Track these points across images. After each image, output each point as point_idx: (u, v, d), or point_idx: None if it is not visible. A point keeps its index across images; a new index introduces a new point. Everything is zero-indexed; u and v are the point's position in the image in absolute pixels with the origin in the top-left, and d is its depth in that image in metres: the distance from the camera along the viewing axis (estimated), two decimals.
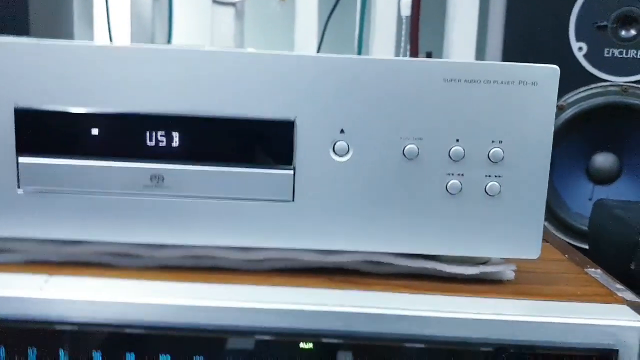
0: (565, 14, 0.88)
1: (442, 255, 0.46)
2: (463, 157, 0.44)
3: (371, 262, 0.47)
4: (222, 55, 0.43)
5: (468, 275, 0.46)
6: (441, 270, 0.47)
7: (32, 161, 0.44)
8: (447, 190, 0.44)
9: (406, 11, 1.11)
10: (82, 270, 0.46)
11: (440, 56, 1.11)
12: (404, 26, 1.13)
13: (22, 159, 0.44)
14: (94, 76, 0.43)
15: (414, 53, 1.13)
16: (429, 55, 1.18)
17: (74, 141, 0.44)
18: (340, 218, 0.45)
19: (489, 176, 0.44)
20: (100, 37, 1.13)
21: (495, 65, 0.43)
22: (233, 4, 1.17)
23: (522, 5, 0.90)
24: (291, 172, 0.44)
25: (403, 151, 0.44)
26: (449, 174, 0.44)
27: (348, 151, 0.44)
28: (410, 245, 0.45)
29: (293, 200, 0.44)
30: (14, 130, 0.44)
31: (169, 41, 1.16)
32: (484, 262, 0.47)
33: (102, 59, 0.43)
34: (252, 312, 0.41)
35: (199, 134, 0.44)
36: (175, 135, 0.44)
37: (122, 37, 1.15)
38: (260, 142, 0.44)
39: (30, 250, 0.46)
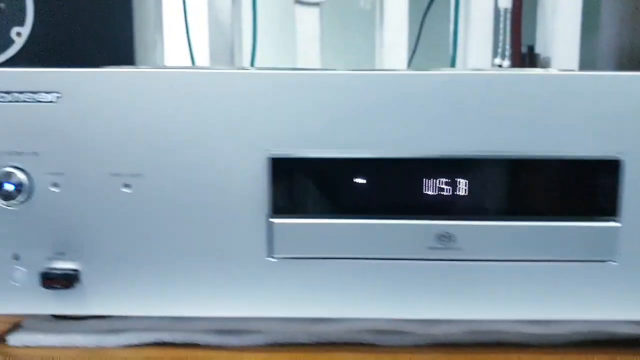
0: None
1: None
2: None
3: None
4: (518, 79, 0.34)
5: None
6: None
7: (287, 222, 0.35)
8: None
9: (505, 3, 1.02)
10: (338, 354, 0.36)
11: (542, 51, 1.02)
12: (501, 19, 1.03)
13: (275, 220, 0.35)
14: (361, 113, 0.34)
15: (517, 47, 1.04)
16: (531, 49, 1.09)
17: (338, 196, 0.35)
18: None
19: None
20: (173, 39, 1.03)
21: None
22: (317, 4, 1.07)
23: None
24: (616, 224, 0.35)
25: None
26: None
27: None
28: None
29: (616, 260, 0.35)
30: (266, 183, 0.34)
31: (253, 45, 1.06)
32: None
33: (366, 91, 0.34)
34: None
35: (492, 180, 0.35)
36: (463, 182, 0.35)
37: (199, 41, 1.05)
38: (574, 188, 0.35)
39: (274, 330, 0.37)
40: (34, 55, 0.77)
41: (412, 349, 0.37)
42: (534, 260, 0.35)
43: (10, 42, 0.78)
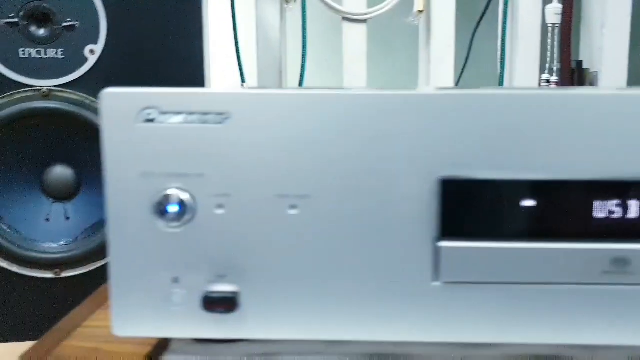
0: None
1: None
2: None
3: None
4: None
5: None
6: None
7: (456, 245, 0.34)
8: None
9: (552, 18, 1.03)
10: None
11: (590, 66, 1.02)
12: (549, 35, 1.04)
13: (444, 243, 0.34)
14: (532, 133, 0.34)
15: (567, 63, 1.05)
16: (579, 64, 1.10)
17: (508, 219, 0.35)
18: None
19: None
20: (223, 59, 1.03)
21: None
22: (364, 21, 1.08)
23: None
24: None
25: None
26: None
27: None
28: None
29: None
30: (437, 207, 0.34)
31: (302, 62, 1.06)
32: None
33: (539, 110, 0.34)
34: None
35: None
36: (635, 204, 0.35)
37: (248, 59, 1.05)
38: None
39: (435, 356, 0.37)
40: (106, 72, 0.77)
41: None
42: None
43: (84, 59, 0.78)
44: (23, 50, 0.77)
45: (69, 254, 0.82)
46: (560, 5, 1.01)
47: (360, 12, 1.04)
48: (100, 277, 0.86)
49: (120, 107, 0.34)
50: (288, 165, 0.34)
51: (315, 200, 0.34)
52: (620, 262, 0.34)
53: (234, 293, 0.35)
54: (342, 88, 0.35)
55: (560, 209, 0.34)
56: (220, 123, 0.34)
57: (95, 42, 0.78)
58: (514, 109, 0.33)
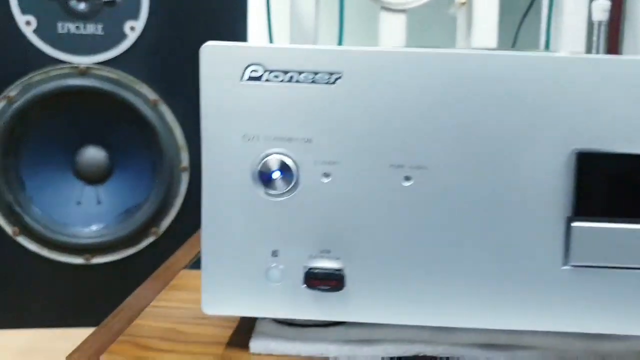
0: None
1: None
2: None
3: None
4: None
5: None
6: None
7: (591, 226, 0.31)
8: None
9: (600, 15, 1.00)
10: None
11: None
12: (595, 32, 1.01)
13: (577, 224, 0.31)
14: None
15: None
16: None
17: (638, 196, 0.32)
18: None
19: None
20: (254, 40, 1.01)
21: None
22: (404, 11, 1.05)
23: None
24: None
25: None
26: None
27: None
28: None
29: None
30: (571, 182, 0.31)
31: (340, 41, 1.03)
32: None
33: None
34: None
35: None
36: None
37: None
38: None
39: (549, 345, 0.34)
40: (147, 50, 0.74)
41: None
42: None
43: (124, 36, 0.75)
44: (62, 25, 0.74)
45: (100, 239, 0.79)
46: (609, 2, 0.98)
47: (399, 1, 1.01)
48: (132, 265, 0.83)
49: (222, 62, 0.31)
50: (403, 133, 0.31)
51: (433, 171, 0.31)
52: None
53: (339, 270, 0.32)
54: (467, 48, 0.32)
55: None
56: (331, 83, 0.31)
57: (135, 18, 0.75)
58: None
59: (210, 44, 0.32)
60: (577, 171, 0.31)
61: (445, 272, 0.32)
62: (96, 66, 0.76)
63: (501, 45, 1.03)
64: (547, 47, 1.04)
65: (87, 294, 0.81)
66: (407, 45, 1.07)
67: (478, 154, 0.31)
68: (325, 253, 0.32)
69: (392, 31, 1.07)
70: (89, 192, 0.82)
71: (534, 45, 1.07)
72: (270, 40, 1.02)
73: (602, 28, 1.01)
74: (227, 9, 0.76)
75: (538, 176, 0.31)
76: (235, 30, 0.76)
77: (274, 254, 0.32)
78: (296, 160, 0.31)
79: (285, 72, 0.31)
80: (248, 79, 0.31)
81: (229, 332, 0.36)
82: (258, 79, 0.31)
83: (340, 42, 1.04)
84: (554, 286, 0.32)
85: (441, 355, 0.33)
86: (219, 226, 0.32)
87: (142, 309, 0.40)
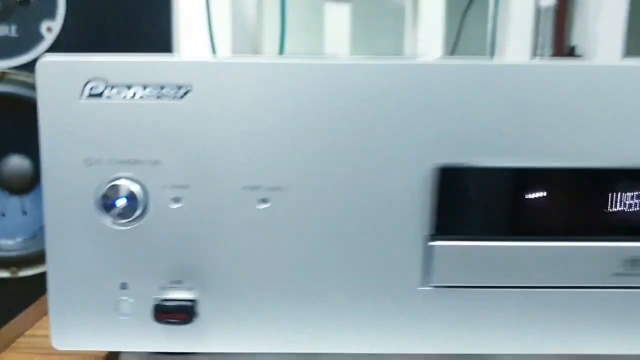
0: None
1: None
2: None
3: None
4: None
5: None
6: None
7: (450, 245, 0.30)
8: None
9: (547, 1, 0.99)
10: None
11: (583, 52, 0.99)
12: (542, 18, 1.00)
13: (436, 243, 0.29)
14: (540, 115, 0.29)
15: (559, 48, 1.01)
16: (572, 50, 1.06)
17: (512, 212, 0.30)
18: None
19: None
20: (198, 40, 0.98)
21: None
22: (348, 1, 1.03)
23: None
24: None
25: None
26: None
27: None
28: None
29: None
30: (430, 198, 0.29)
31: (281, 44, 1.01)
32: None
33: (541, 93, 0.29)
34: None
35: None
36: None
37: (222, 40, 1.00)
38: None
39: None
40: (65, 52, 0.71)
41: None
42: None
43: (40, 37, 0.71)
44: None
45: (27, 251, 0.76)
46: None
47: None
48: None
49: (60, 79, 0.29)
50: (258, 152, 0.29)
51: (290, 193, 0.29)
52: (635, 262, 0.30)
53: (191, 301, 0.30)
54: (321, 56, 0.30)
55: (571, 202, 0.30)
56: (179, 98, 0.29)
57: (52, 17, 0.71)
58: (525, 82, 0.29)
59: (46, 58, 0.29)
60: (438, 187, 0.29)
61: (304, 298, 0.30)
62: (12, 71, 0.73)
63: (449, 33, 1.01)
64: (493, 35, 1.02)
65: (16, 308, 0.78)
66: (353, 38, 1.04)
67: (337, 174, 0.29)
68: (176, 284, 0.30)
69: (337, 22, 1.04)
70: (13, 203, 0.79)
71: (481, 33, 1.05)
72: (210, 31, 0.99)
73: (549, 14, 1.00)
74: (147, 7, 0.73)
75: (397, 194, 0.29)
76: (159, 25, 0.73)
77: (123, 286, 0.30)
78: (143, 184, 0.29)
79: (129, 87, 0.28)
80: (88, 96, 0.29)
81: None
82: (99, 95, 0.29)
83: (282, 36, 1.02)
84: (413, 307, 0.30)
85: None
86: (65, 258, 0.30)
87: (14, 339, 0.37)
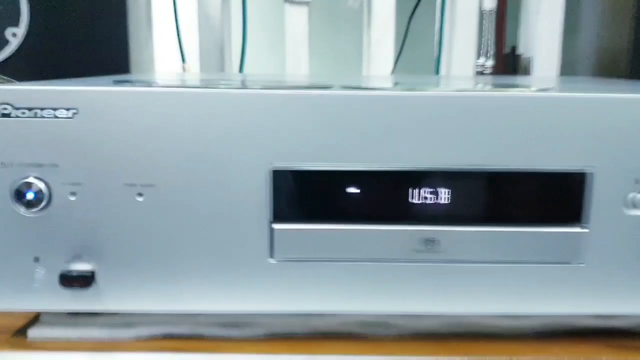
0: None
1: None
2: None
3: None
4: (497, 100, 0.38)
5: None
6: None
7: (287, 228, 0.38)
8: None
9: (489, 4, 1.06)
10: (332, 344, 0.40)
11: (525, 52, 1.05)
12: (485, 20, 1.07)
13: (277, 226, 0.38)
14: (353, 129, 0.37)
15: (500, 49, 1.08)
16: (513, 50, 1.12)
17: (333, 203, 0.38)
18: (632, 279, 0.40)
19: None
20: (164, 38, 1.05)
21: None
22: (306, 3, 1.10)
23: None
24: (584, 230, 0.39)
25: None
26: None
27: None
28: None
29: (584, 262, 0.39)
30: (269, 194, 0.38)
31: (243, 46, 1.08)
32: None
33: (359, 109, 0.37)
34: None
35: (475, 191, 0.39)
36: (447, 192, 0.38)
37: (189, 39, 1.07)
38: (547, 198, 0.39)
39: (275, 323, 0.41)
40: (29, 56, 0.79)
41: (397, 339, 0.41)
42: (510, 263, 0.39)
43: (5, 42, 0.79)
44: None
45: None
46: None
47: None
48: None
49: None
50: (134, 157, 0.37)
51: (160, 189, 0.38)
52: (430, 242, 0.38)
53: (90, 272, 0.39)
54: (181, 85, 0.38)
55: (379, 195, 0.38)
56: (69, 117, 0.37)
57: (16, 24, 0.79)
58: (333, 107, 0.37)
59: None
60: (274, 185, 0.37)
61: (178, 269, 0.39)
62: None
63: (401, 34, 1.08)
64: (440, 35, 1.09)
65: None
66: (314, 38, 1.11)
67: (197, 174, 0.38)
68: (77, 258, 0.39)
69: (296, 24, 1.11)
70: None
71: (428, 34, 1.12)
72: (178, 32, 1.06)
73: (492, 17, 1.07)
74: (108, 12, 0.80)
75: (245, 189, 0.38)
76: (117, 33, 0.79)
77: (36, 260, 0.39)
78: (47, 182, 0.38)
79: (30, 109, 0.37)
80: (1, 116, 0.37)
81: (22, 322, 0.43)
82: (8, 115, 0.37)
83: (244, 37, 1.09)
84: (265, 276, 0.39)
85: (186, 334, 0.40)
86: None
87: None
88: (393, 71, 1.00)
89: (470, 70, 1.02)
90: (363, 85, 0.45)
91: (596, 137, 0.38)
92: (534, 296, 0.40)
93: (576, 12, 1.01)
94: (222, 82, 0.46)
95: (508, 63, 1.12)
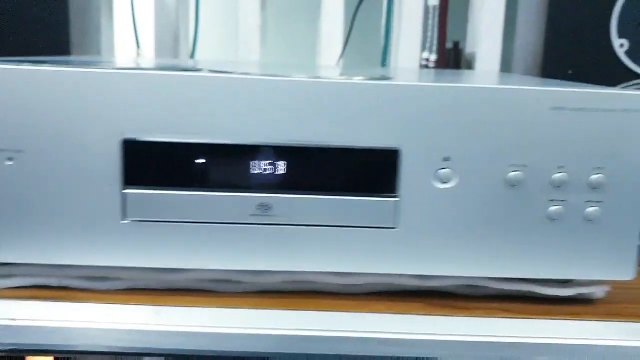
0: (607, 11, 0.88)
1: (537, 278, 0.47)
2: (565, 183, 0.44)
3: (468, 285, 0.48)
4: (326, 85, 0.43)
5: (563, 296, 0.47)
6: (536, 292, 0.47)
7: (137, 192, 0.44)
8: (548, 216, 0.45)
9: (433, 0, 1.10)
10: (183, 297, 0.46)
11: (465, 46, 1.10)
12: (430, 16, 1.12)
13: (128, 190, 0.44)
14: (200, 106, 0.43)
15: (442, 43, 1.13)
16: (456, 45, 1.17)
17: (180, 172, 0.44)
18: (441, 244, 0.45)
19: (590, 202, 0.45)
20: (122, 26, 1.11)
21: (604, 94, 0.44)
22: None
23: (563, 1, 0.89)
24: (395, 199, 0.44)
25: (506, 178, 0.44)
26: (550, 200, 0.45)
27: (452, 178, 0.44)
28: (510, 269, 0.46)
29: (397, 227, 0.45)
30: (120, 161, 0.43)
31: (195, 32, 1.14)
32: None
33: (207, 89, 0.43)
34: (357, 341, 0.42)
35: (305, 164, 0.44)
36: (282, 164, 0.44)
37: (146, 28, 1.12)
38: (365, 171, 0.44)
39: (133, 277, 0.46)
40: None
41: (243, 295, 0.47)
42: (335, 226, 0.45)
43: None
44: None
45: None
46: None
47: None
48: None
49: None
50: (5, 125, 0.43)
51: (28, 154, 0.44)
52: (263, 207, 0.44)
53: None
54: (50, 63, 0.44)
55: (224, 166, 0.44)
56: None
57: None
58: (190, 87, 0.43)
59: None
60: (125, 153, 0.43)
61: (54, 225, 0.44)
62: None
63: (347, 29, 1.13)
64: (387, 29, 1.14)
65: None
66: (269, 27, 1.16)
67: (61, 142, 0.43)
68: None
69: (249, 12, 1.16)
70: None
71: (376, 26, 1.16)
72: (133, 16, 1.11)
73: (436, 12, 1.12)
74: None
75: (101, 157, 0.44)
76: (57, 15, 0.82)
77: None
78: None
79: None
80: None
81: None
82: None
83: (196, 25, 1.15)
84: (119, 235, 0.44)
85: (54, 285, 0.46)
86: None
87: None
88: (338, 62, 1.05)
89: (416, 63, 1.06)
90: (240, 71, 0.51)
91: (406, 119, 0.43)
92: (357, 256, 0.45)
93: (514, 10, 1.05)
94: (103, 63, 0.52)
95: (451, 57, 1.16)
